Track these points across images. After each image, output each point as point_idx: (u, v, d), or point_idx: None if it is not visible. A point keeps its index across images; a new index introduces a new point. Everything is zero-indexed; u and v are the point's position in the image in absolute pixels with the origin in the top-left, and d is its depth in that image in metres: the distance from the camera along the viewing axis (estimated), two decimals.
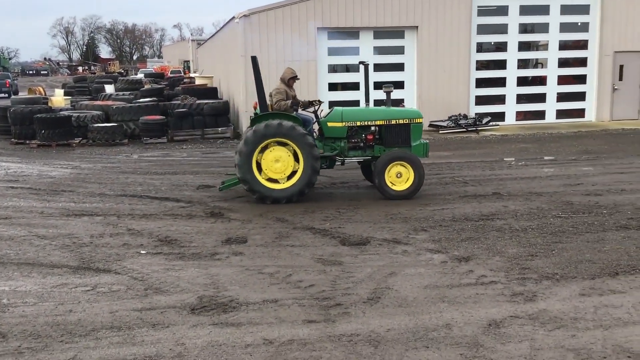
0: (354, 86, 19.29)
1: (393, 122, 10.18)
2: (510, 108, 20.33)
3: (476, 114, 19.53)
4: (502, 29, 19.92)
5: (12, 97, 31.03)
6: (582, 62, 20.50)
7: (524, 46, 20.36)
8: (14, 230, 8.36)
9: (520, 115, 20.50)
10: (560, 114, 20.58)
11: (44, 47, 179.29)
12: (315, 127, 10.40)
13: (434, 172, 12.22)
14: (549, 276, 6.21)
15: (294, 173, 9.72)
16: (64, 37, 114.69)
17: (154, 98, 22.14)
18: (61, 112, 19.13)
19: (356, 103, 19.31)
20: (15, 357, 4.71)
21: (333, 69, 19.36)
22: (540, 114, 20.55)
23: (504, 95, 20.24)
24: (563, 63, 20.52)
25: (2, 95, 41.78)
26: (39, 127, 17.37)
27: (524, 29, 20.25)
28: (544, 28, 20.18)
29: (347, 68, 19.56)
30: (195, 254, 7.21)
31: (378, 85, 19.26)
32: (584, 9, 20.05)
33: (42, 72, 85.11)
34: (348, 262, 6.82)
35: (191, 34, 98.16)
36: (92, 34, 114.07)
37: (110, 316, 5.43)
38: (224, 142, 18.12)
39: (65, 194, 10.74)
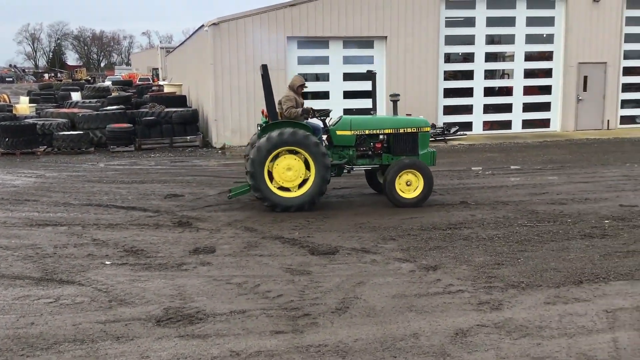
0: (324, 95, 19.35)
1: (401, 130, 10.27)
2: (478, 118, 20.61)
3: (444, 123, 19.76)
4: (470, 40, 20.21)
5: None
6: (548, 73, 20.90)
7: (491, 57, 20.67)
8: None
9: (488, 125, 20.79)
10: (526, 124, 20.92)
11: (10, 53, 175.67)
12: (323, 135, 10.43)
13: None
14: (514, 285, 6.28)
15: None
16: (30, 43, 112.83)
17: (122, 106, 21.88)
18: (26, 120, 18.82)
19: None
20: None
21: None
22: (507, 124, 20.86)
23: (472, 105, 20.51)
24: (529, 74, 20.89)
25: None
26: (2, 135, 17.01)
27: (491, 40, 20.58)
28: (510, 39, 20.53)
29: (317, 77, 19.61)
30: (161, 264, 7.11)
31: (347, 95, 19.47)
32: (549, 21, 20.47)
33: (7, 79, 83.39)
34: (317, 272, 6.80)
35: (160, 42, 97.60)
36: (59, 41, 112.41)
37: (73, 329, 5.31)
38: (193, 150, 17.98)
39: (29, 204, 10.52)
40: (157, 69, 55.93)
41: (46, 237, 8.34)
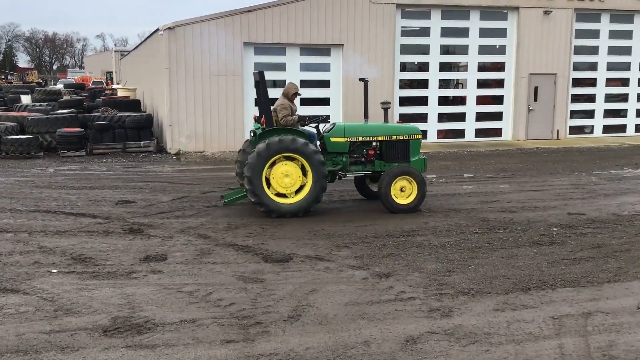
0: None
1: (394, 137, 10.46)
2: (432, 126, 20.89)
3: None
4: (425, 49, 20.50)
5: None
6: (500, 83, 21.35)
7: (445, 67, 21.02)
8: None
9: (442, 134, 21.10)
10: (479, 132, 21.33)
11: None
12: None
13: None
14: (465, 291, 6.36)
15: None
16: None
17: (73, 110, 21.43)
18: None
19: None
20: None
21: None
22: (461, 133, 21.22)
23: (427, 114, 20.79)
24: (482, 84, 21.30)
25: None
26: None
27: (446, 50, 20.92)
28: (464, 50, 20.91)
29: (275, 84, 19.57)
30: (110, 272, 6.95)
31: (304, 102, 19.46)
32: (502, 32, 20.93)
33: None
34: (270, 280, 6.76)
35: (115, 45, 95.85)
36: (9, 42, 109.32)
37: (17, 339, 5.14)
38: (147, 156, 17.70)
39: None
40: (112, 72, 54.96)
41: None
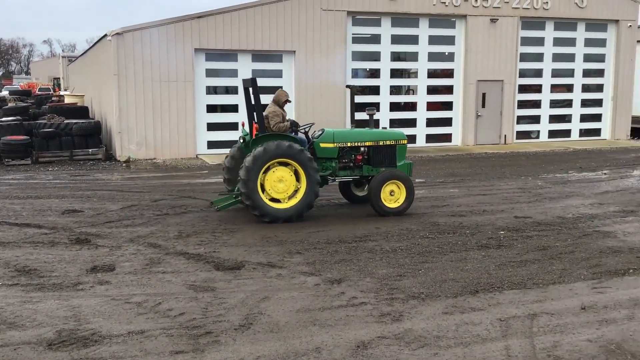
0: (233, 108, 19.21)
1: (381, 143, 10.69)
2: None
3: None
4: (376, 56, 20.73)
5: None
6: (449, 89, 21.75)
7: (396, 73, 21.30)
8: None
9: None
10: (430, 138, 21.66)
11: None
12: None
13: None
14: (415, 296, 6.44)
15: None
16: None
17: (19, 117, 20.76)
18: None
19: (235, 125, 19.26)
20: None
21: (213, 90, 19.21)
22: (412, 138, 21.42)
23: (378, 120, 20.95)
24: (432, 90, 21.66)
25: None
26: None
27: (397, 57, 21.21)
28: (414, 57, 21.23)
29: (227, 90, 19.47)
30: (56, 284, 6.77)
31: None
32: (450, 40, 21.34)
33: None
34: (221, 288, 6.70)
35: (63, 50, 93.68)
36: None
37: None
38: (95, 164, 17.33)
39: None
40: (59, 78, 53.60)
41: None
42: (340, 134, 10.68)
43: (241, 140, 10.49)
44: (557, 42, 22.76)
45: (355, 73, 20.56)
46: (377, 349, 5.16)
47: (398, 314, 5.93)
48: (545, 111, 23.22)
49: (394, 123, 21.21)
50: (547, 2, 21.76)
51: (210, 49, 18.45)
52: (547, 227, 9.62)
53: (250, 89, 10.15)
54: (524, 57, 22.27)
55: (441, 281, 6.93)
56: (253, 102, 10.07)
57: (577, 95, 23.61)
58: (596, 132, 24.07)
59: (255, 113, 10.09)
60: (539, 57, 22.67)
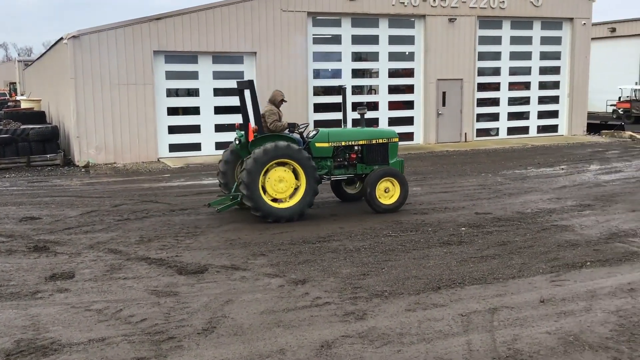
0: (195, 111, 19.07)
1: (374, 141, 10.91)
2: None
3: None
4: (337, 56, 20.79)
5: None
6: (410, 88, 21.95)
7: (358, 73, 21.39)
8: None
9: None
10: None
11: None
12: None
13: None
14: (378, 294, 6.49)
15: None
16: None
17: None
18: None
19: (197, 128, 19.12)
20: None
21: (174, 92, 19.00)
22: None
23: (340, 120, 21.00)
24: (393, 90, 21.83)
25: None
26: None
27: (358, 57, 21.30)
28: (375, 57, 21.36)
29: (189, 92, 19.29)
30: (13, 293, 6.62)
31: (218, 110, 19.30)
32: (410, 40, 21.55)
33: None
34: (184, 292, 6.64)
35: (19, 54, 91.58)
36: None
37: None
38: (53, 169, 16.99)
39: None
40: (15, 83, 52.36)
41: None
42: (334, 133, 10.85)
43: (237, 142, 10.52)
44: (514, 40, 23.18)
45: (317, 73, 20.58)
46: (341, 348, 5.18)
47: (362, 312, 5.96)
48: (503, 109, 23.62)
49: (356, 123, 21.16)
50: (503, 2, 22.15)
51: (170, 51, 18.27)
52: (507, 222, 9.80)
53: (248, 91, 10.22)
54: (482, 56, 22.63)
55: (404, 279, 7.00)
56: (251, 104, 10.14)
57: (534, 93, 24.08)
58: (553, 128, 24.60)
59: (252, 114, 10.14)
60: (496, 56, 23.07)
